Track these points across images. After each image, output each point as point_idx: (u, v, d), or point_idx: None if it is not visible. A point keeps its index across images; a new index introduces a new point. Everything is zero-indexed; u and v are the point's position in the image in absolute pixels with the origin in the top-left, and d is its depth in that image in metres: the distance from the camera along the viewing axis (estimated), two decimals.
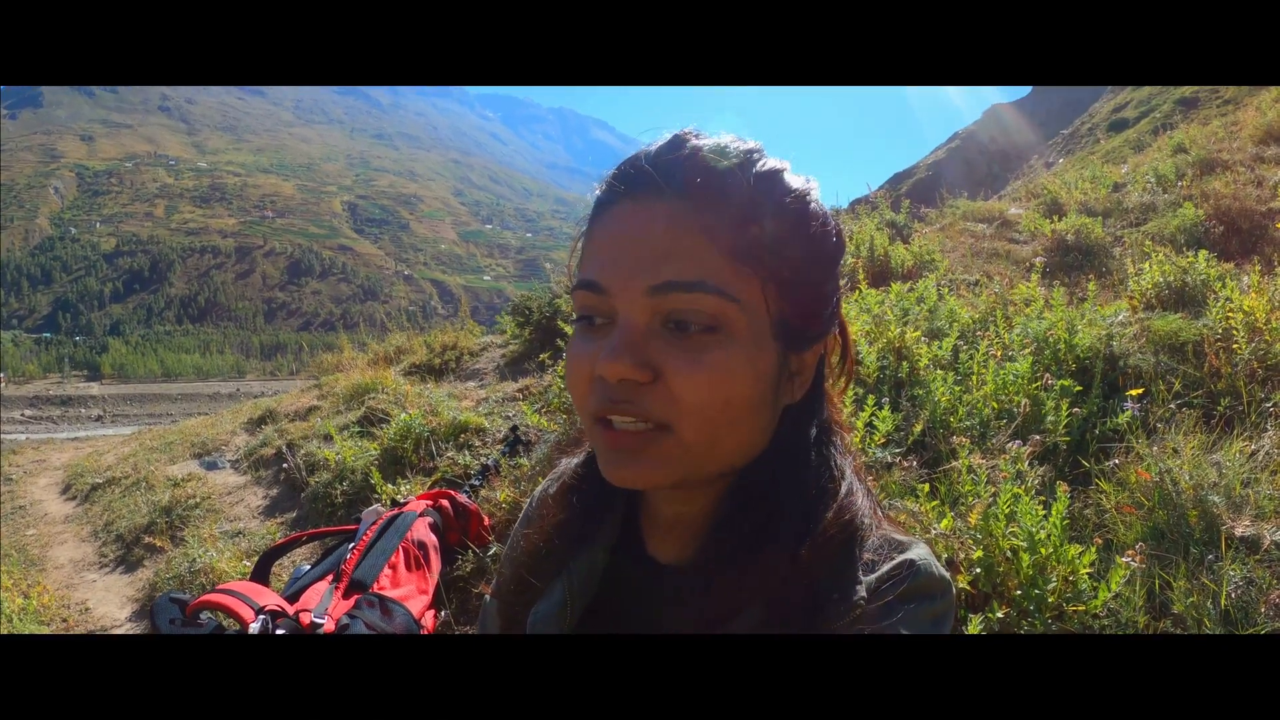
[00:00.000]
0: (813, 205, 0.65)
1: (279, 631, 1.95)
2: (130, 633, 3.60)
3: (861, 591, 0.63)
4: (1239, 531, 1.76)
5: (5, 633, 3.37)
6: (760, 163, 0.63)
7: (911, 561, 0.65)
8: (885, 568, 0.65)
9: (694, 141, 0.63)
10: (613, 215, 0.64)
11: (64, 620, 3.79)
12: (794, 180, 0.65)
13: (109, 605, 3.98)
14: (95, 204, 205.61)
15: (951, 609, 0.66)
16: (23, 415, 41.26)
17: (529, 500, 0.90)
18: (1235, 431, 2.16)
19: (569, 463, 0.84)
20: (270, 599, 2.09)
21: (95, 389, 56.67)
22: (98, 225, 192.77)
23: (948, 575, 0.67)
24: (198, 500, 4.92)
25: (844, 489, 0.68)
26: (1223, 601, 1.59)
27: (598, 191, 0.67)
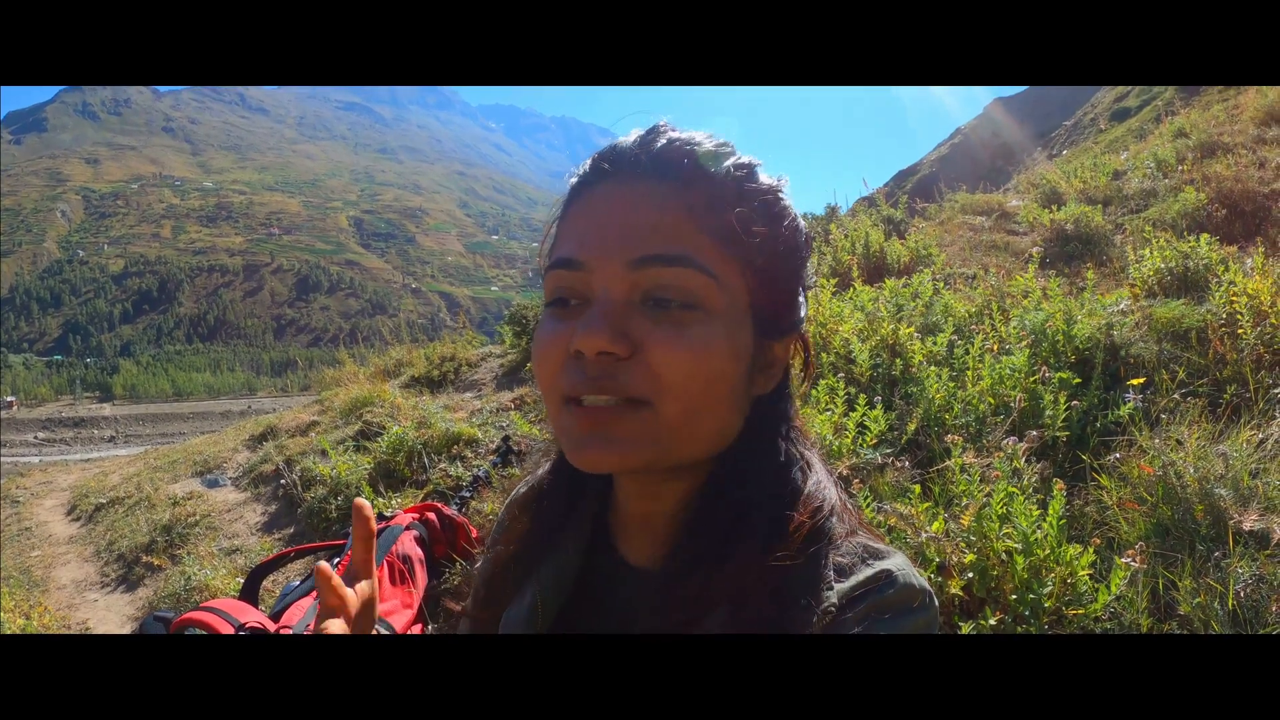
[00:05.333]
0: (784, 201, 0.67)
1: None
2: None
3: (832, 598, 0.60)
4: (1247, 525, 1.68)
5: None
6: (735, 156, 0.65)
7: (888, 571, 0.62)
8: (860, 575, 0.61)
9: (671, 132, 0.64)
10: (593, 195, 0.65)
11: None
12: (765, 177, 0.67)
13: (109, 624, 3.97)
14: (102, 226, 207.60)
15: (935, 623, 0.62)
16: (35, 438, 41.51)
17: (503, 508, 0.88)
18: (1242, 420, 2.08)
19: (540, 470, 0.83)
20: (252, 616, 2.05)
21: (108, 410, 57.01)
22: (105, 247, 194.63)
23: (928, 586, 0.63)
24: (197, 518, 4.90)
25: (811, 482, 0.67)
26: (1230, 601, 1.51)
27: (574, 178, 0.68)
